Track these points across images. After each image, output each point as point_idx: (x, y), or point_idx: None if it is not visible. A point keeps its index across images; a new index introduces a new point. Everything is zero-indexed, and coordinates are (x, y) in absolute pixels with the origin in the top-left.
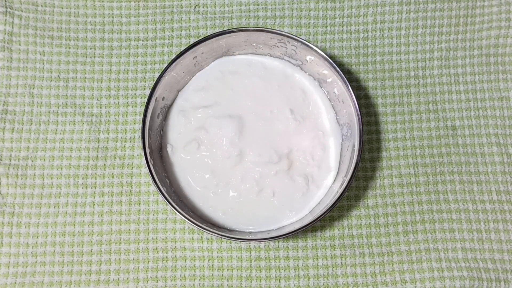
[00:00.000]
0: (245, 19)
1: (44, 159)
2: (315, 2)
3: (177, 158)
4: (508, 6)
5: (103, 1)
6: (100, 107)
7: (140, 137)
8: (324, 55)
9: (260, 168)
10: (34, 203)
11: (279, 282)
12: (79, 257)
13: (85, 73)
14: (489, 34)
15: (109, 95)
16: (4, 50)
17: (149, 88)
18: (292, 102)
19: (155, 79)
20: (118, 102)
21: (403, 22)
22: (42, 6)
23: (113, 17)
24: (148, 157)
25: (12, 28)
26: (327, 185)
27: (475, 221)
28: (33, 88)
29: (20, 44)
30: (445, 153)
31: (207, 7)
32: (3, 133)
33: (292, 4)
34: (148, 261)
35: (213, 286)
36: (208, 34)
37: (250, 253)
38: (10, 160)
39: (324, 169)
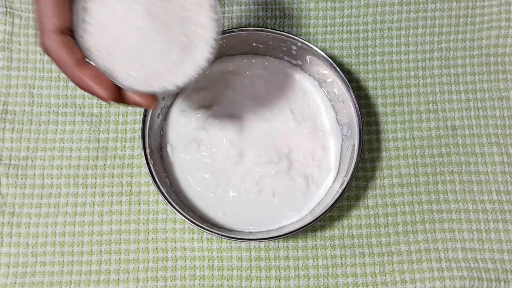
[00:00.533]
0: (245, 19)
1: (44, 159)
2: (315, 2)
3: (177, 158)
4: (508, 6)
5: None
6: (100, 107)
7: (140, 137)
8: (324, 55)
9: (260, 168)
10: (34, 203)
11: (279, 282)
12: (79, 257)
13: None
14: (489, 34)
15: None
16: (4, 50)
17: None
18: (292, 102)
19: None
20: None
21: (403, 22)
22: None
23: None
24: (148, 157)
25: (12, 28)
26: (327, 185)
27: (475, 221)
28: (33, 88)
29: (20, 44)
30: (445, 153)
31: None
32: (3, 133)
33: (292, 4)
34: (148, 261)
35: (213, 286)
36: None
37: (250, 253)
38: (10, 160)
39: (324, 169)
